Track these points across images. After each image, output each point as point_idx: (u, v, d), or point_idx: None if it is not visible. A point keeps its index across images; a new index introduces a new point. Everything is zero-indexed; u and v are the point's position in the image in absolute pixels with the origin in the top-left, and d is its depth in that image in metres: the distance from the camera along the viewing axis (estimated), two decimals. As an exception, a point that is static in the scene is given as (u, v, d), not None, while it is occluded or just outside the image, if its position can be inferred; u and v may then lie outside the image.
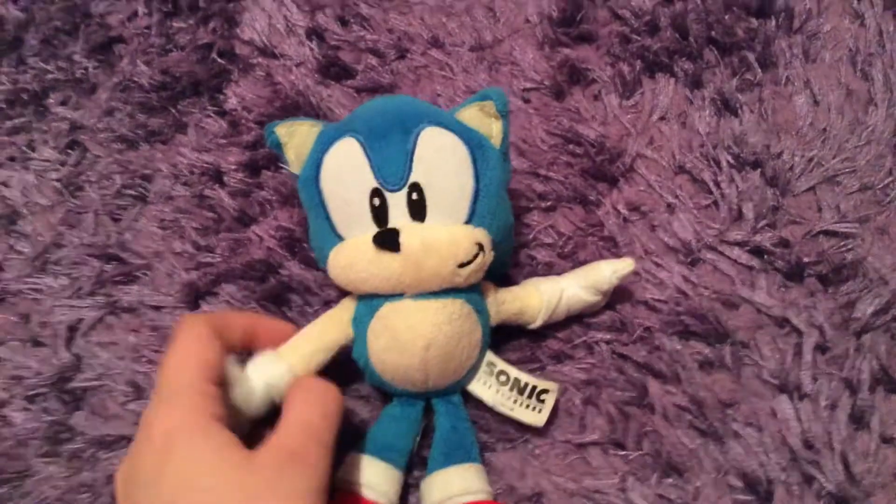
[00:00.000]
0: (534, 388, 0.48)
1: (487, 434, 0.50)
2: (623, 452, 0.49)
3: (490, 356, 0.49)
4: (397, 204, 0.44)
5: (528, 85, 0.64)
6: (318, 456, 0.39)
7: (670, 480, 0.48)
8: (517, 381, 0.48)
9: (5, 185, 0.63)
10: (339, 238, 0.45)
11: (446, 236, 0.43)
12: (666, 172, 0.59)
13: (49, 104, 0.67)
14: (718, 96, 0.62)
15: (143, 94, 0.66)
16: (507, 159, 0.49)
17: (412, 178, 0.43)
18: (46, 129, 0.66)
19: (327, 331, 0.48)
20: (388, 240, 0.43)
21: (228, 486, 0.35)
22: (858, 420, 0.49)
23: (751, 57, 0.64)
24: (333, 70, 0.65)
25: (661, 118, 0.62)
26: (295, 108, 0.63)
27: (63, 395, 0.54)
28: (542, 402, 0.48)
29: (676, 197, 0.58)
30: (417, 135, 0.44)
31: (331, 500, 0.45)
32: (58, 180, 0.63)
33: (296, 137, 0.47)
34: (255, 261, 0.56)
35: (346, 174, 0.44)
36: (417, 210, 0.44)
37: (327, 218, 0.46)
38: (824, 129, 0.61)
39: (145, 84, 0.66)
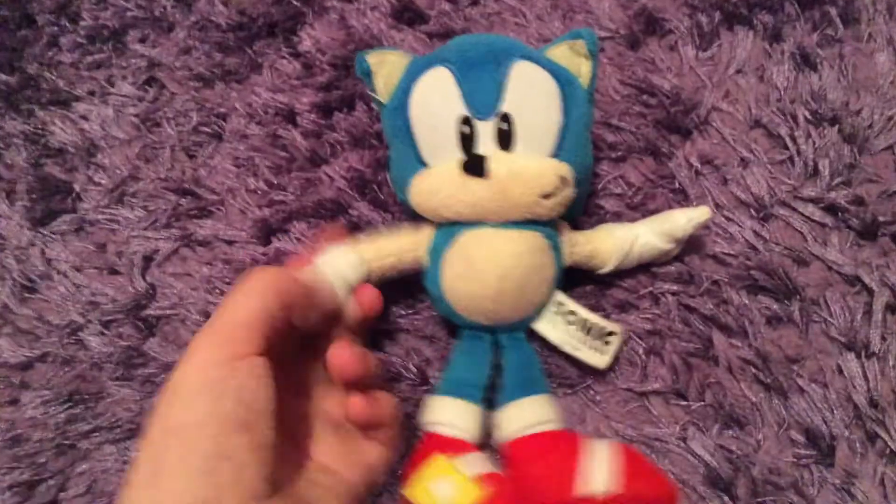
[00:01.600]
0: (601, 328, 0.48)
1: (549, 378, 0.51)
2: (685, 403, 0.49)
3: (559, 295, 0.49)
4: (486, 132, 0.44)
5: (603, 34, 0.63)
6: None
7: (731, 432, 0.48)
8: (585, 321, 0.48)
9: (85, 118, 0.65)
10: (423, 165, 0.46)
11: (533, 166, 0.44)
12: (741, 126, 0.58)
13: (128, 41, 0.68)
14: (798, 51, 0.61)
15: (220, 33, 0.66)
16: (593, 101, 0.49)
17: (502, 108, 0.44)
18: (125, 65, 0.67)
19: (405, 242, 0.49)
20: (476, 165, 0.43)
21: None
22: (927, 381, 0.48)
23: (833, 12, 0.62)
24: (407, 15, 0.65)
25: (738, 71, 0.61)
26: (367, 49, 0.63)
27: (137, 322, 0.56)
28: (608, 344, 0.49)
29: (751, 151, 0.57)
30: (509, 67, 0.44)
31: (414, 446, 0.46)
32: (135, 115, 0.64)
33: (385, 66, 0.47)
34: (326, 199, 0.57)
35: (436, 101, 0.45)
36: (505, 140, 0.44)
37: (412, 145, 0.46)
38: (906, 88, 0.59)
39: (222, 24, 0.66)
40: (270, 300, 0.38)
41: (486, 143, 0.44)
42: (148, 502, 0.33)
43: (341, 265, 0.46)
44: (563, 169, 0.45)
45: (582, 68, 0.47)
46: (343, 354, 0.42)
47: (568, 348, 0.48)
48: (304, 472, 0.41)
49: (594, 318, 0.48)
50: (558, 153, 0.45)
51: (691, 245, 0.53)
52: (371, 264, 0.47)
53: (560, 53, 0.47)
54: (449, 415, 0.46)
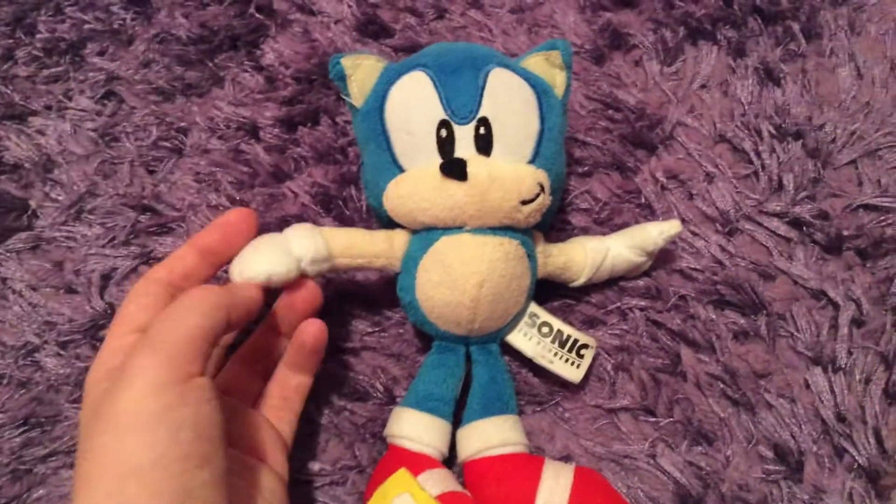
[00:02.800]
0: (575, 341, 0.48)
1: (518, 395, 0.50)
2: (653, 419, 0.49)
3: (534, 307, 0.48)
4: (464, 137, 0.44)
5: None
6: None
7: (700, 448, 0.48)
8: (560, 332, 0.48)
9: (41, 133, 0.63)
10: (400, 169, 0.45)
11: (512, 171, 0.43)
12: (706, 141, 0.59)
13: (86, 54, 0.67)
14: (761, 66, 0.61)
15: (181, 46, 0.65)
16: (566, 111, 0.48)
17: (481, 113, 0.43)
18: (83, 78, 0.66)
19: (379, 249, 0.47)
20: (455, 168, 0.42)
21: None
22: (893, 395, 0.48)
23: (795, 27, 0.63)
24: (371, 28, 0.65)
25: (703, 86, 0.61)
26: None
27: (95, 343, 0.54)
28: (582, 357, 0.48)
29: (716, 166, 0.57)
30: (487, 72, 0.44)
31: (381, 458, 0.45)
32: (93, 130, 0.63)
33: (360, 70, 0.47)
34: (290, 216, 0.56)
35: (414, 105, 0.44)
36: (484, 144, 0.44)
37: (388, 149, 0.45)
38: (867, 103, 0.60)
39: (182, 37, 0.65)
40: (209, 315, 0.36)
41: (464, 147, 0.44)
42: None
43: (306, 248, 0.44)
44: (542, 175, 0.44)
45: (557, 79, 0.47)
46: (315, 328, 0.44)
47: (542, 361, 0.48)
48: (249, 473, 0.41)
49: (569, 330, 0.48)
50: (536, 160, 0.45)
51: (659, 260, 0.53)
52: (337, 259, 0.46)
53: (535, 64, 0.47)
54: (415, 429, 0.45)
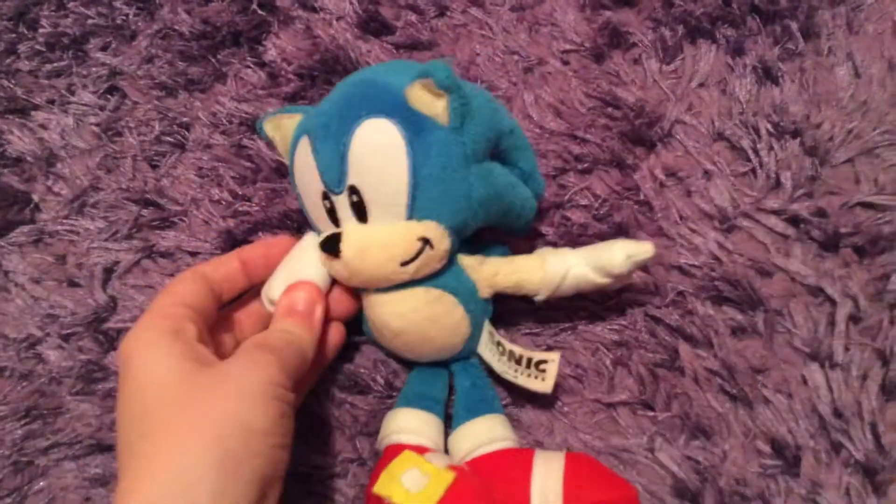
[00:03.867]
0: (529, 359, 0.47)
1: (517, 389, 0.51)
2: (652, 413, 0.50)
3: (488, 326, 0.48)
4: (343, 206, 0.43)
5: (568, 47, 0.64)
6: (289, 351, 0.41)
7: (698, 443, 0.48)
8: (512, 352, 0.47)
9: (44, 127, 0.64)
10: (318, 231, 0.47)
11: (381, 238, 0.42)
12: (704, 139, 0.59)
13: (89, 49, 0.67)
14: (760, 64, 0.62)
15: (183, 42, 0.66)
16: (467, 132, 0.43)
17: (349, 181, 0.42)
18: (86, 73, 0.66)
19: None
20: (329, 247, 0.43)
21: (182, 378, 0.36)
22: (890, 391, 0.49)
23: (793, 26, 0.63)
24: (373, 25, 0.65)
25: (701, 84, 0.62)
26: (334, 61, 0.63)
27: (98, 336, 0.55)
28: (544, 371, 0.46)
29: (714, 163, 0.58)
30: (352, 133, 0.41)
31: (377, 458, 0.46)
32: (96, 125, 0.63)
33: (281, 130, 0.47)
34: (292, 211, 0.57)
35: (305, 175, 0.45)
36: (360, 211, 0.43)
37: (306, 212, 0.47)
38: (865, 102, 0.60)
39: (185, 32, 0.66)
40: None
41: (345, 216, 0.43)
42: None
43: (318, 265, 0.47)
44: (423, 228, 0.42)
45: (437, 107, 0.42)
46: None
47: (507, 377, 0.47)
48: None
49: (521, 350, 0.47)
50: (414, 213, 0.42)
51: (657, 256, 0.53)
52: None
53: (414, 94, 0.42)
54: (412, 423, 0.46)
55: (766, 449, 0.48)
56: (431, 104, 0.42)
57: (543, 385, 0.47)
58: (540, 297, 0.48)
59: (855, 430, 0.47)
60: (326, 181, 0.43)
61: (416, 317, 0.45)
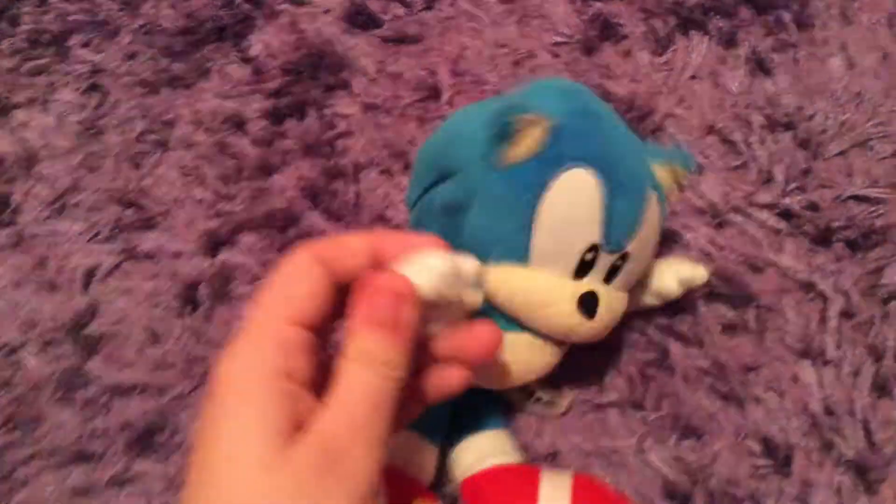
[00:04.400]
0: (538, 397, 0.48)
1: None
2: (641, 414, 0.49)
3: None
4: (602, 265, 0.40)
5: (558, 39, 0.63)
6: (364, 460, 0.28)
7: (688, 443, 0.48)
8: (532, 392, 0.48)
9: (24, 126, 0.62)
10: (525, 258, 0.40)
11: (622, 307, 0.42)
12: (696, 132, 0.58)
13: (70, 46, 0.66)
14: (752, 56, 0.61)
15: (167, 38, 0.65)
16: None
17: (629, 247, 0.40)
18: (68, 71, 0.65)
19: None
20: (589, 305, 0.40)
21: (249, 485, 0.27)
22: (881, 388, 0.48)
23: (787, 17, 0.63)
24: (360, 19, 0.64)
25: (693, 77, 0.61)
26: (320, 56, 0.62)
27: (78, 341, 0.54)
28: (555, 403, 0.49)
29: (706, 157, 0.57)
30: (646, 199, 0.40)
31: None
32: (78, 123, 0.62)
33: (533, 138, 0.38)
34: (277, 210, 0.56)
35: (576, 216, 0.39)
36: (612, 274, 0.41)
37: (527, 235, 0.39)
38: (858, 93, 0.59)
39: (169, 28, 0.65)
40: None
41: (597, 273, 0.40)
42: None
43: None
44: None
45: (673, 195, 0.44)
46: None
47: (523, 409, 0.49)
48: None
49: (539, 392, 0.48)
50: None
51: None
52: None
53: (663, 176, 0.43)
54: (406, 451, 0.44)
55: (758, 448, 0.47)
56: (670, 189, 0.43)
57: (555, 411, 0.49)
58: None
59: (846, 428, 0.47)
60: (609, 237, 0.39)
61: (541, 368, 0.43)
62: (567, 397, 0.49)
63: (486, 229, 0.40)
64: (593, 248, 0.39)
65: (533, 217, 0.38)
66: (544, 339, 0.41)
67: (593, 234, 0.39)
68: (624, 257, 0.40)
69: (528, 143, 0.38)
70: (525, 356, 0.42)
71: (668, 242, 0.53)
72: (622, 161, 0.39)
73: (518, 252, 0.39)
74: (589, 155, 0.38)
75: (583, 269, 0.40)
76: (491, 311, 0.40)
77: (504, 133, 0.38)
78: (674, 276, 0.46)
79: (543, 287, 0.39)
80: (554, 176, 0.38)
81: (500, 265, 0.40)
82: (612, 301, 0.41)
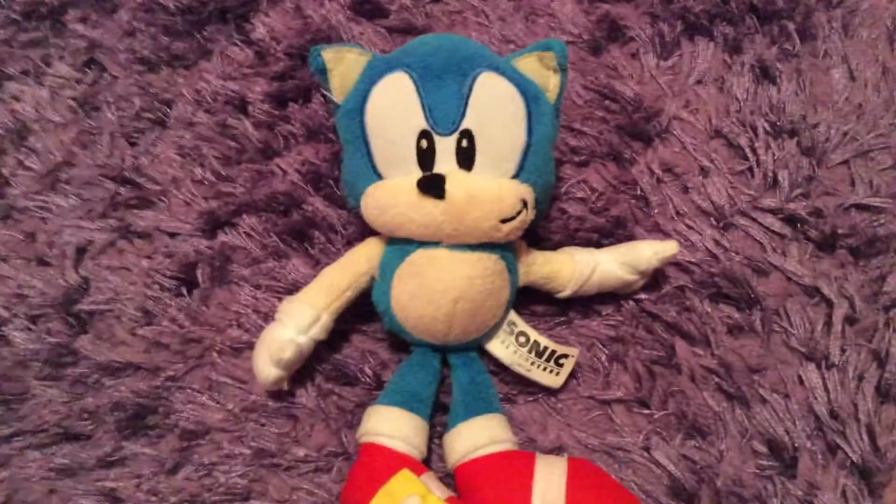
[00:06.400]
0: (553, 352, 0.47)
1: (508, 386, 0.49)
2: (647, 411, 0.48)
3: (512, 315, 0.47)
4: (445, 149, 0.41)
5: (565, 38, 0.62)
6: None
7: (694, 442, 0.47)
8: (536, 343, 0.47)
9: (17, 98, 0.61)
10: (378, 176, 0.43)
11: (493, 189, 0.41)
12: (701, 136, 0.58)
13: (66, 20, 0.64)
14: (757, 63, 0.61)
15: (168, 16, 0.63)
16: (558, 116, 0.46)
17: (464, 124, 0.41)
18: (63, 45, 0.63)
19: (358, 267, 0.46)
20: (433, 186, 0.40)
21: None
22: (885, 393, 0.48)
23: (790, 27, 0.63)
24: (366, 7, 0.63)
25: (699, 81, 0.61)
26: (325, 42, 0.61)
27: (68, 318, 0.52)
28: (561, 365, 0.47)
29: (711, 161, 0.57)
30: (474, 79, 0.41)
31: (357, 455, 0.43)
32: (73, 98, 0.60)
33: (342, 64, 0.44)
34: (278, 193, 0.54)
35: (395, 111, 0.42)
36: (466, 158, 0.41)
37: (367, 153, 0.43)
38: (860, 105, 0.60)
39: (170, 6, 0.63)
40: None
41: (445, 160, 0.42)
42: None
43: (290, 331, 0.45)
44: (525, 191, 0.42)
45: (550, 82, 0.44)
46: None
47: (519, 369, 0.47)
48: None
49: (546, 342, 0.47)
50: (520, 174, 0.42)
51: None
52: (329, 310, 0.46)
53: (527, 64, 0.44)
54: (399, 427, 0.44)
55: (763, 449, 0.47)
56: (545, 78, 0.44)
57: (555, 380, 0.47)
58: (566, 293, 0.48)
59: (851, 432, 0.47)
60: (436, 120, 0.41)
61: (481, 284, 0.43)
62: (570, 359, 0.47)
63: (348, 167, 0.45)
64: (425, 135, 0.41)
65: (364, 131, 0.43)
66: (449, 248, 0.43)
67: (418, 121, 0.41)
68: (468, 137, 0.41)
69: (340, 72, 0.44)
70: (433, 270, 0.43)
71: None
72: (434, 55, 0.42)
73: (369, 173, 0.43)
74: (398, 63, 0.42)
75: (426, 160, 0.42)
76: (389, 255, 0.45)
77: (318, 68, 0.44)
78: (647, 247, 0.48)
79: (390, 189, 0.42)
80: (369, 91, 0.43)
81: (364, 195, 0.43)
82: (476, 183, 0.41)
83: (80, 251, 0.54)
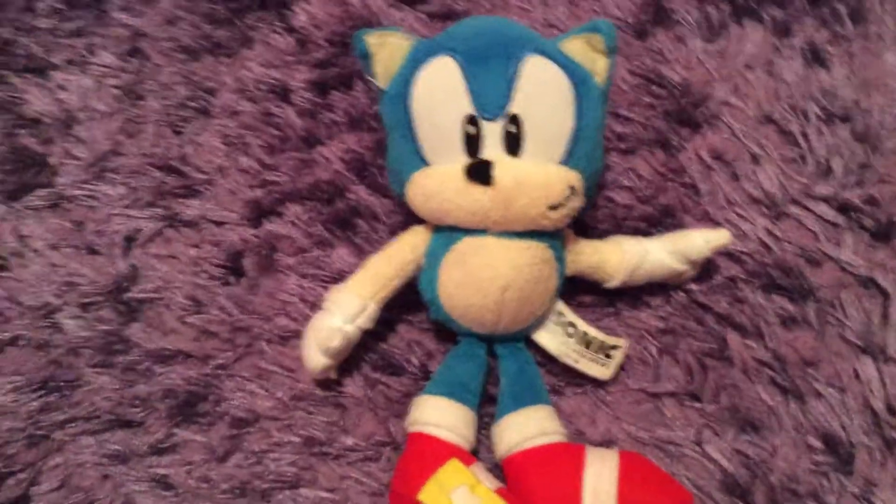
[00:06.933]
0: (602, 342, 0.46)
1: (556, 377, 0.49)
2: (699, 405, 0.48)
3: (560, 306, 0.47)
4: (492, 134, 0.41)
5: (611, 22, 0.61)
6: None
7: (747, 437, 0.46)
8: (585, 334, 0.46)
9: (62, 88, 0.61)
10: (424, 162, 0.43)
11: (541, 175, 0.41)
12: (751, 122, 0.57)
13: (109, 9, 0.64)
14: (808, 46, 0.60)
15: (209, 4, 0.63)
16: (607, 101, 0.45)
17: (512, 109, 0.40)
18: (106, 34, 0.63)
19: (404, 256, 0.46)
20: (480, 172, 0.40)
21: None
22: (944, 388, 0.47)
23: (841, 9, 0.61)
24: (407, -7, 0.63)
25: (747, 66, 0.59)
26: (367, 28, 0.60)
27: (118, 306, 0.53)
28: (610, 357, 0.46)
29: (762, 147, 0.55)
30: (521, 62, 0.40)
31: (406, 444, 0.43)
32: (117, 87, 0.60)
33: (386, 49, 0.43)
34: (322, 181, 0.54)
35: (441, 96, 0.41)
36: (513, 143, 0.41)
37: (413, 139, 0.42)
38: (915, 90, 0.58)
39: (210, -6, 0.63)
40: None
41: (492, 145, 0.41)
42: None
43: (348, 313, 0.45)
44: (573, 178, 0.42)
45: (598, 65, 0.43)
46: None
47: (568, 360, 0.46)
48: None
49: (595, 332, 0.46)
50: (568, 160, 0.42)
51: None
52: (375, 299, 0.45)
53: (575, 47, 0.43)
54: (445, 417, 0.44)
55: (818, 444, 0.46)
56: (593, 61, 0.43)
57: (605, 371, 0.46)
58: (614, 283, 0.47)
59: (909, 428, 0.46)
60: (483, 104, 0.40)
61: (529, 272, 0.43)
62: (620, 350, 0.47)
63: (393, 153, 0.45)
64: (471, 121, 0.41)
65: (409, 116, 0.42)
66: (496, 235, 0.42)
67: (464, 106, 0.41)
68: (515, 122, 0.41)
69: (384, 57, 0.43)
70: (480, 258, 0.43)
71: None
72: (479, 38, 0.42)
73: (415, 160, 0.43)
74: (443, 47, 0.42)
75: (473, 146, 0.41)
76: (435, 242, 0.45)
77: (362, 53, 0.44)
78: (698, 236, 0.47)
79: (437, 176, 0.42)
80: (414, 76, 0.42)
81: (410, 182, 0.43)
82: (523, 169, 0.41)
83: (129, 240, 0.55)
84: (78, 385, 0.50)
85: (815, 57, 0.60)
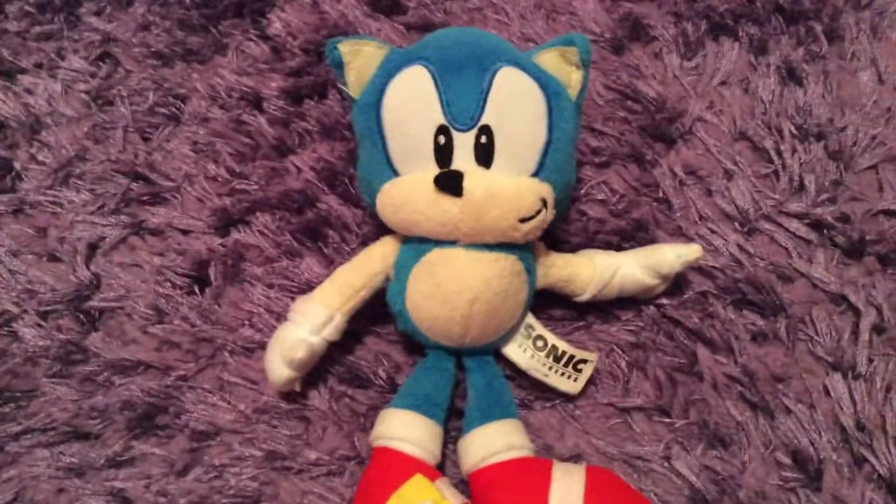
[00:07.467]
0: (571, 357, 0.46)
1: (525, 391, 0.48)
2: (668, 420, 0.47)
3: (530, 319, 0.46)
4: (463, 146, 0.40)
5: (587, 37, 0.61)
6: None
7: (716, 452, 0.46)
8: (554, 348, 0.46)
9: (30, 91, 0.60)
10: (394, 172, 0.42)
11: (512, 187, 0.40)
12: (726, 138, 0.57)
13: (81, 13, 0.64)
14: (783, 64, 0.60)
15: (183, 10, 0.62)
16: (580, 113, 0.45)
17: (483, 120, 0.40)
18: (77, 38, 0.62)
19: (372, 266, 0.45)
20: (450, 182, 0.39)
21: None
22: (914, 405, 0.47)
23: (817, 28, 0.62)
24: (384, 3, 0.62)
25: (723, 82, 0.60)
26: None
27: (79, 315, 0.51)
28: (579, 371, 0.46)
29: (736, 163, 0.55)
30: (494, 73, 0.40)
31: (370, 459, 0.42)
32: (86, 92, 0.60)
33: (360, 58, 0.43)
34: (293, 191, 0.54)
35: (413, 105, 0.41)
36: (484, 155, 0.40)
37: (384, 149, 0.42)
38: (888, 108, 0.58)
39: (185, 1, 0.62)
40: None
41: (463, 156, 0.40)
42: None
43: (303, 330, 0.44)
44: (545, 190, 0.41)
45: (572, 78, 0.43)
46: None
47: (536, 374, 0.46)
48: None
49: (564, 346, 0.46)
50: (540, 172, 0.41)
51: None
52: (342, 310, 0.45)
53: (549, 60, 0.43)
54: (413, 431, 0.43)
55: (787, 461, 0.46)
56: (567, 74, 0.43)
57: (574, 386, 0.46)
58: (584, 296, 0.47)
59: (878, 444, 0.45)
60: (454, 115, 0.40)
61: (498, 285, 0.42)
62: (591, 363, 0.46)
63: (364, 163, 0.44)
64: (443, 131, 0.40)
65: (380, 125, 0.42)
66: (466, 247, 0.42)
67: (436, 116, 0.40)
68: (487, 133, 0.40)
69: (357, 66, 0.43)
70: (449, 270, 0.42)
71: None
72: (453, 49, 0.41)
73: (385, 170, 0.42)
74: (416, 56, 0.41)
75: (444, 156, 0.41)
76: (404, 254, 0.44)
77: (335, 62, 0.43)
78: (670, 250, 0.47)
79: (407, 186, 0.41)
80: (386, 85, 0.41)
81: (380, 192, 0.42)
82: (494, 181, 0.40)
83: (92, 247, 0.54)
84: (34, 395, 0.49)
85: (791, 75, 0.60)
